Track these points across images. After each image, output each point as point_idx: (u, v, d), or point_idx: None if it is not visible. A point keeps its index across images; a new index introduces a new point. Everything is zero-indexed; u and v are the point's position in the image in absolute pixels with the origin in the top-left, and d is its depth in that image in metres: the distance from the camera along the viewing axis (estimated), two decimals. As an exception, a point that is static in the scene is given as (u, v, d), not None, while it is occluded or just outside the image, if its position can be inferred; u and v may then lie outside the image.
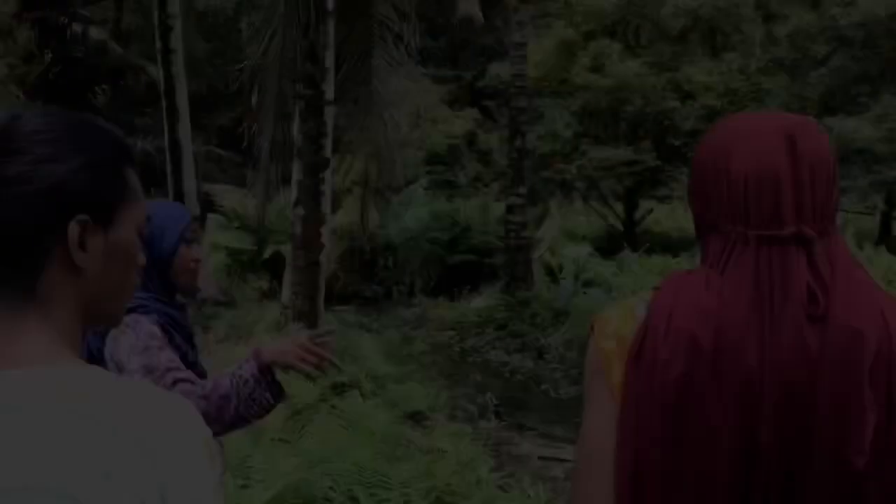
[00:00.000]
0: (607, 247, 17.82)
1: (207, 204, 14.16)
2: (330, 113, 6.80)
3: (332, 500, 4.03)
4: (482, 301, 11.33)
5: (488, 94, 24.22)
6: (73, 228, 0.81)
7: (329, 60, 6.75)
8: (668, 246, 17.91)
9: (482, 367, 9.25)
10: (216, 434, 1.72)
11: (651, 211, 20.36)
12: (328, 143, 6.79)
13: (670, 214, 20.97)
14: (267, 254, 13.16)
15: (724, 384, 0.93)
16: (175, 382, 1.72)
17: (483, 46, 28.19)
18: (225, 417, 1.70)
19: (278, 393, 1.79)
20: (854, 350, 0.93)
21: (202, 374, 1.99)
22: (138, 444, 0.72)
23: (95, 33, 14.74)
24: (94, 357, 1.85)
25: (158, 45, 9.85)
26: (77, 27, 14.24)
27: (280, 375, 1.84)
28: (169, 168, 10.10)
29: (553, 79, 18.13)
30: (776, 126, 1.04)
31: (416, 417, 6.32)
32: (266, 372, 1.76)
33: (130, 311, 1.85)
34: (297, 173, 6.76)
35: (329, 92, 6.75)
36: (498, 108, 24.64)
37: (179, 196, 9.84)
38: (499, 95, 23.73)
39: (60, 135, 0.83)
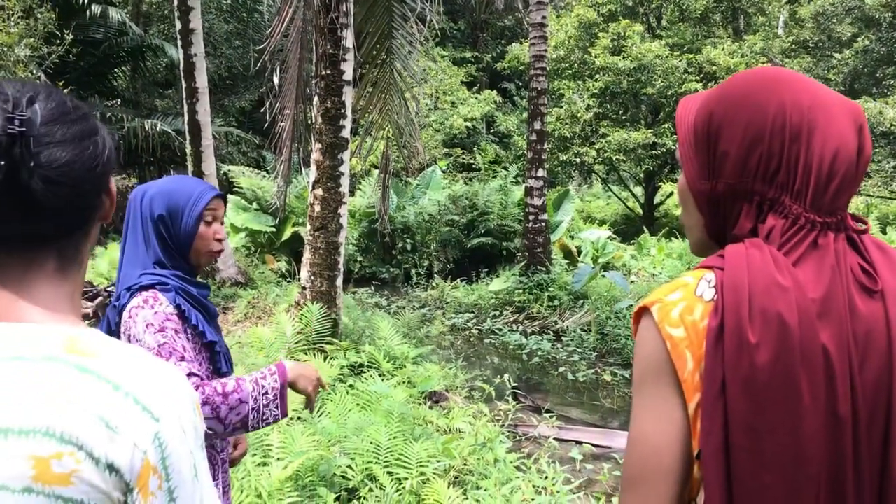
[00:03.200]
0: (626, 230, 17.78)
1: (227, 185, 14.23)
2: (349, 94, 6.78)
3: (349, 479, 4.07)
4: (500, 283, 11.33)
5: (508, 75, 24.11)
6: (114, 187, 0.93)
7: (349, 41, 6.72)
8: (688, 230, 17.78)
9: (500, 348, 9.27)
10: (216, 435, 1.72)
11: (671, 194, 20.22)
12: (347, 124, 6.78)
13: (690, 198, 20.76)
14: (286, 235, 13.24)
15: (811, 364, 0.91)
16: (188, 376, 1.73)
17: (503, 28, 28.05)
18: (233, 420, 1.70)
19: (283, 412, 1.81)
20: None
21: (224, 354, 1.99)
22: (137, 400, 0.80)
23: (115, 14, 14.79)
24: (113, 330, 1.85)
25: (178, 26, 9.89)
26: (97, 8, 14.30)
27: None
28: (189, 149, 10.18)
29: (573, 60, 18.01)
30: (847, 110, 1.00)
31: (433, 398, 6.36)
32: (285, 389, 1.79)
33: (150, 287, 1.84)
34: (315, 154, 6.76)
35: (348, 72, 6.72)
36: (517, 90, 24.54)
37: (199, 177, 9.92)
38: (518, 77, 23.67)
39: (83, 112, 0.89)
